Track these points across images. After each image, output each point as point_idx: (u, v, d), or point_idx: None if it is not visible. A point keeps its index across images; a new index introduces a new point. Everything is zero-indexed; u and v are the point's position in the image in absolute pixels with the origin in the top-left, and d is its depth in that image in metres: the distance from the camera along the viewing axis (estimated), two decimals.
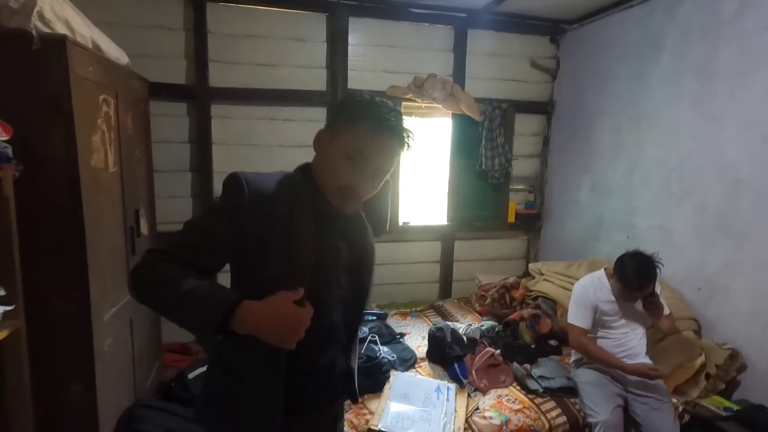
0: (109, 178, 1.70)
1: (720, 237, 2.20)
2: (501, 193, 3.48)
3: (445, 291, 3.50)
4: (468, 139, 3.33)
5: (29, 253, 1.40)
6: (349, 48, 3.00)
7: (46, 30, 1.40)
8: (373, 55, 3.08)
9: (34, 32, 1.34)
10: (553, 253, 3.43)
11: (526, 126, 3.48)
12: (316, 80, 3.00)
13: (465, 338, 2.37)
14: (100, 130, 1.63)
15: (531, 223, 3.59)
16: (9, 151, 1.35)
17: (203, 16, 2.73)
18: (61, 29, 1.47)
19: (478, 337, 2.45)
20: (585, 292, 2.06)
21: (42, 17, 1.39)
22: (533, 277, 3.03)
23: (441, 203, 3.48)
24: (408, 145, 0.96)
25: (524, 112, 3.44)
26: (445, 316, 3.00)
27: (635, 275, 1.84)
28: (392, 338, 2.53)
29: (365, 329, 2.49)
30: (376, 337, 2.44)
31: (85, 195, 1.48)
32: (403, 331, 2.67)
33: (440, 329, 2.38)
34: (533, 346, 2.43)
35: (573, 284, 2.19)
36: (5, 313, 1.36)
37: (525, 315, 2.58)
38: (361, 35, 3.04)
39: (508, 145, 3.34)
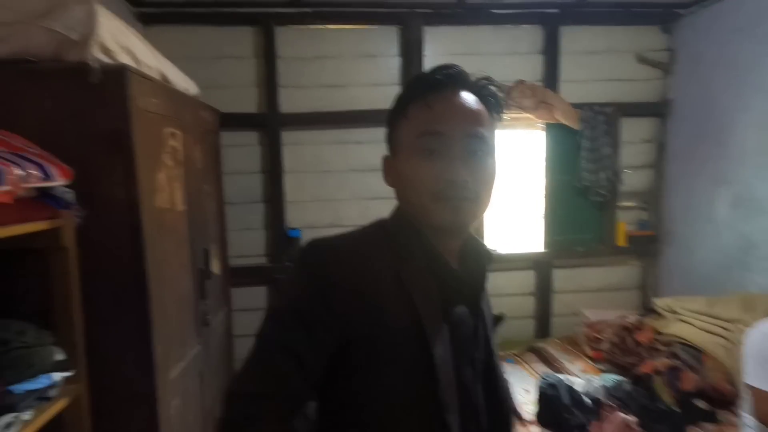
0: (175, 218, 1.55)
1: None
2: (607, 212, 2.95)
3: (543, 328, 3.00)
4: (565, 151, 2.87)
5: (88, 309, 1.24)
6: (424, 60, 2.73)
7: (108, 61, 1.27)
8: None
9: (93, 64, 1.20)
10: (681, 283, 2.81)
11: (634, 132, 2.94)
12: (389, 98, 2.73)
13: (586, 398, 1.90)
14: (166, 167, 1.48)
15: (646, 246, 3.00)
16: (70, 196, 1.21)
17: (272, 42, 2.63)
18: (124, 60, 1.35)
19: (602, 397, 1.96)
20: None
21: (104, 48, 1.26)
22: (660, 316, 2.46)
23: (535, 227, 3.03)
24: (491, 98, 0.70)
25: (632, 116, 2.91)
26: (549, 362, 2.52)
27: None
28: None
29: None
30: None
31: (148, 240, 1.31)
32: None
33: (552, 386, 1.93)
34: (678, 410, 1.89)
35: (723, 327, 1.68)
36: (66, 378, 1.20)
37: (660, 367, 2.05)
38: (436, 45, 2.77)
39: (615, 155, 2.83)
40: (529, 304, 3.02)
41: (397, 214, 0.73)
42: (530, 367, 2.47)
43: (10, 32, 1.19)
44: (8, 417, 1.01)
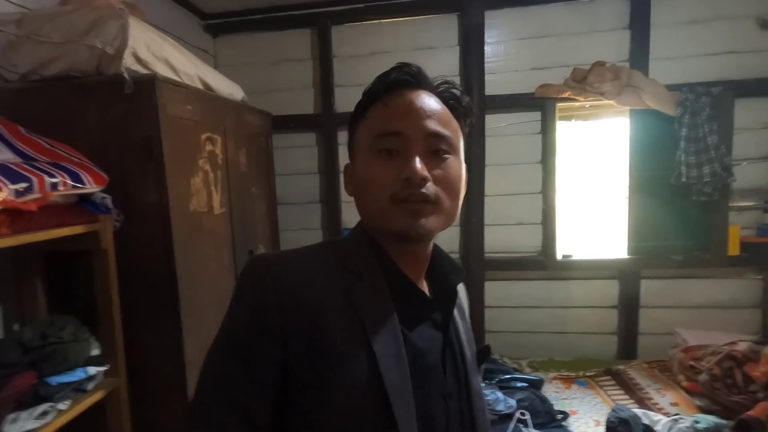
0: (213, 221, 1.59)
1: None
2: (715, 214, 2.44)
3: (627, 348, 2.60)
4: (656, 142, 2.44)
5: (127, 307, 1.32)
6: (486, 48, 2.51)
7: (143, 72, 1.33)
8: (517, 51, 2.52)
9: (125, 75, 1.26)
10: None
11: (753, 116, 2.39)
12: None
13: None
14: (202, 171, 1.52)
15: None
16: (108, 201, 1.30)
17: (328, 41, 2.62)
18: (161, 69, 1.40)
19: None
20: None
21: (138, 59, 1.32)
22: None
23: (618, 230, 2.63)
24: (453, 101, 0.64)
25: (749, 96, 2.37)
26: (630, 388, 2.16)
27: None
28: (550, 419, 1.87)
29: (512, 401, 1.90)
30: (527, 416, 1.83)
31: (180, 243, 1.35)
32: (566, 409, 1.98)
33: (625, 422, 1.63)
34: None
35: None
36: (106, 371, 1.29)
37: None
38: (500, 30, 2.53)
39: (725, 145, 2.32)
40: (611, 319, 2.64)
41: (356, 227, 0.67)
42: (605, 393, 2.14)
43: (62, 51, 1.30)
44: (44, 406, 1.10)
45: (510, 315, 2.68)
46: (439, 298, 0.65)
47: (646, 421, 1.67)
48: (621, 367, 2.35)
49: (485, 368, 2.17)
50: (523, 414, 1.85)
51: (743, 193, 2.43)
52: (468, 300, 0.82)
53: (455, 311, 0.67)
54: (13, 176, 1.00)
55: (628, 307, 2.59)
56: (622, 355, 2.60)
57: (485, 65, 2.50)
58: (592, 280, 2.62)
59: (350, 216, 2.74)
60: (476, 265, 2.61)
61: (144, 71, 1.33)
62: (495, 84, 2.52)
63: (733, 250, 2.42)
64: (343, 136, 2.66)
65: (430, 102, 0.61)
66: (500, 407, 1.88)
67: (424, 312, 0.63)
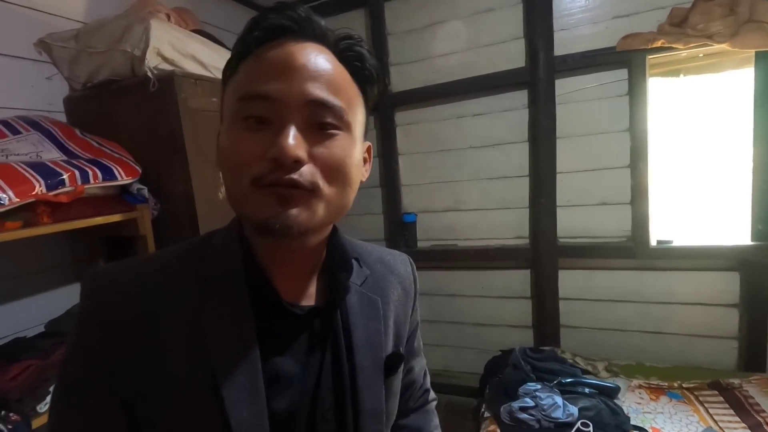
0: None
1: None
2: None
3: (751, 358, 2.07)
4: None
5: None
6: (555, 1, 2.16)
7: (170, 69, 1.42)
8: (593, 1, 2.12)
9: (150, 74, 1.36)
10: None
11: None
12: (511, 56, 2.29)
13: None
14: None
15: None
16: (145, 191, 1.43)
17: (381, 18, 2.52)
18: (189, 66, 1.48)
19: None
20: None
21: (164, 58, 1.41)
22: None
23: (737, 211, 2.09)
24: (358, 63, 0.52)
25: None
26: (745, 409, 1.71)
27: None
28: None
29: (573, 409, 1.65)
30: (590, 428, 1.58)
31: (207, 230, 1.43)
32: (647, 425, 1.65)
33: None
34: None
35: None
36: None
37: None
38: None
39: None
40: (726, 320, 2.12)
41: (233, 220, 0.57)
42: (706, 411, 1.73)
43: (105, 59, 1.44)
44: None
45: (590, 309, 2.33)
46: (328, 303, 0.56)
47: None
48: (735, 380, 1.88)
49: (545, 367, 1.93)
50: (585, 425, 1.60)
51: None
52: (413, 286, 0.72)
53: (358, 310, 0.57)
54: (49, 173, 1.15)
55: (754, 305, 2.05)
56: (743, 365, 2.09)
57: (553, 20, 2.15)
58: (700, 271, 2.13)
59: (411, 200, 2.65)
60: (547, 251, 2.32)
61: (170, 68, 1.42)
62: (566, 42, 2.16)
63: None
64: (400, 117, 2.59)
65: (318, 59, 0.48)
66: (557, 414, 1.65)
67: (298, 328, 0.53)
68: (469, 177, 2.49)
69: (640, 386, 1.92)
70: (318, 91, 0.47)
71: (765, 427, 1.61)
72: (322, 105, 0.47)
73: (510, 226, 2.42)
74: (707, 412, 1.73)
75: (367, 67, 0.53)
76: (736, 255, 2.06)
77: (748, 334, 2.07)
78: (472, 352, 2.63)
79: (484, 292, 2.55)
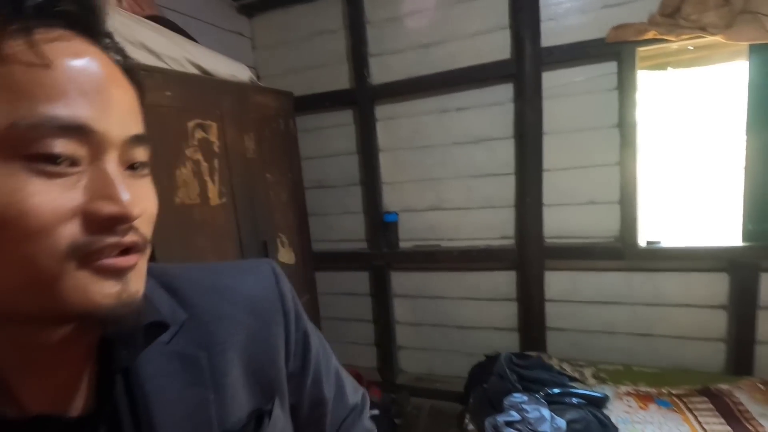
0: (209, 213, 1.51)
1: None
2: None
3: (739, 361, 2.02)
4: None
5: None
6: None
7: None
8: None
9: None
10: None
11: None
12: (497, 48, 2.18)
13: None
14: (192, 161, 1.43)
15: None
16: None
17: (359, 6, 2.38)
18: (139, 55, 1.32)
19: None
20: None
21: None
22: None
23: (727, 210, 2.03)
24: (117, 47, 0.38)
25: None
26: (734, 416, 1.66)
27: None
28: None
29: (561, 422, 1.57)
30: None
31: (164, 236, 1.29)
32: None
33: None
34: None
35: None
36: None
37: None
38: None
39: None
40: (716, 322, 2.07)
41: None
42: (696, 419, 1.67)
43: None
44: None
45: (577, 311, 2.26)
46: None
47: None
48: (724, 386, 1.82)
49: (532, 376, 1.84)
50: None
51: None
52: (279, 306, 0.52)
53: (165, 381, 0.41)
54: None
55: (742, 307, 2.00)
56: (731, 369, 2.04)
57: (540, 10, 2.04)
58: (689, 272, 2.07)
59: (392, 198, 2.53)
60: (533, 252, 2.23)
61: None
62: (554, 32, 2.05)
63: None
64: (380, 111, 2.46)
65: (116, 72, 0.36)
66: (545, 428, 1.57)
67: None
68: (452, 175, 2.38)
69: (628, 393, 1.85)
70: (135, 120, 0.36)
71: (747, 428, 1.55)
72: (138, 140, 0.36)
73: (495, 225, 2.33)
74: (697, 420, 1.67)
75: (133, 69, 0.39)
76: (724, 255, 2.00)
77: (737, 336, 2.02)
78: (456, 356, 2.54)
79: (468, 294, 2.46)
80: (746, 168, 1.90)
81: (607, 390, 1.83)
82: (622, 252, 2.09)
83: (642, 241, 2.08)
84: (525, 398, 1.68)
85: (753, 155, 1.87)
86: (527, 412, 1.62)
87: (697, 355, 2.10)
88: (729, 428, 1.62)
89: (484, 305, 2.44)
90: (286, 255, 1.96)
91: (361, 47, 2.40)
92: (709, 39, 1.78)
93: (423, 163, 2.44)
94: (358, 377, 2.55)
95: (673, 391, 1.84)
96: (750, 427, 1.60)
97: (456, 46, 2.25)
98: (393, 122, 2.47)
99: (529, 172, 2.17)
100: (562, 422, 1.58)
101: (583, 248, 2.17)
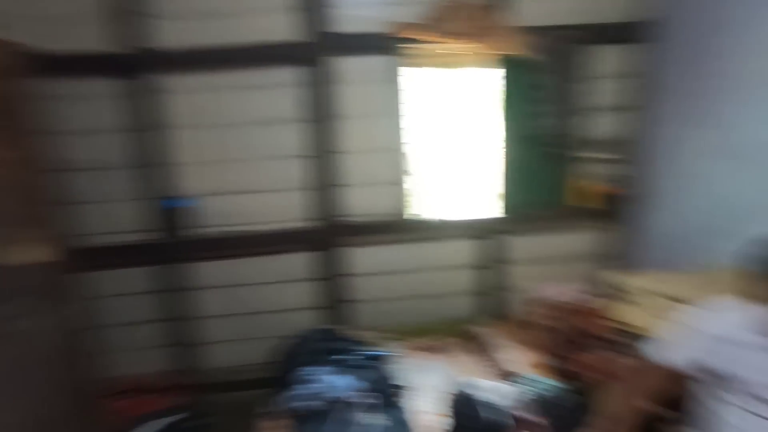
0: None
1: None
2: (570, 166, 2.39)
3: (492, 308, 2.56)
4: (525, 91, 2.27)
5: None
6: None
7: None
8: None
9: None
10: (658, 253, 2.30)
11: (609, 63, 2.32)
12: (287, 28, 2.15)
13: (501, 414, 1.47)
14: None
15: (618, 208, 2.46)
16: None
17: None
18: None
19: (521, 411, 1.52)
20: (718, 322, 1.15)
21: None
22: (626, 297, 1.95)
23: (485, 188, 2.50)
24: None
25: (606, 43, 2.28)
26: (487, 352, 2.09)
27: None
28: (389, 399, 1.70)
29: (346, 384, 1.69)
30: (362, 399, 1.64)
31: None
32: (414, 383, 1.83)
33: (466, 400, 1.49)
34: None
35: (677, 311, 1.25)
36: None
37: (596, 363, 1.60)
38: None
39: (580, 92, 2.23)
40: (476, 279, 2.55)
41: None
42: (460, 360, 2.04)
43: None
44: None
45: (377, 282, 2.48)
46: None
47: (490, 393, 1.56)
48: (480, 328, 2.27)
49: (328, 347, 1.94)
50: (356, 398, 1.66)
51: (597, 145, 2.40)
52: None
53: None
54: None
55: (494, 265, 2.52)
56: (490, 314, 2.55)
57: None
58: (460, 240, 2.49)
59: (186, 181, 2.26)
60: (332, 230, 2.34)
61: None
62: (342, 20, 2.14)
63: (588, 202, 2.41)
64: (166, 83, 2.17)
65: None
66: (337, 392, 1.67)
67: None
68: (249, 156, 2.28)
69: (410, 348, 2.13)
70: None
71: (501, 365, 1.98)
72: None
73: (294, 208, 2.34)
74: (461, 360, 2.04)
75: None
76: (480, 225, 2.47)
77: (491, 289, 2.54)
78: (267, 342, 2.48)
79: (272, 278, 2.42)
80: (505, 154, 2.35)
81: (393, 348, 2.07)
82: (407, 226, 2.38)
83: (422, 216, 2.41)
84: (317, 369, 1.76)
85: (509, 143, 2.34)
86: (320, 381, 1.69)
87: (466, 307, 2.55)
88: (483, 360, 2.02)
89: (289, 287, 2.45)
90: (24, 253, 1.56)
91: (133, 3, 2.05)
92: (469, 45, 2.13)
93: (219, 143, 2.27)
94: (158, 384, 2.26)
95: (444, 340, 2.20)
96: (494, 356, 2.04)
97: (246, 21, 2.14)
98: (182, 97, 2.20)
99: (325, 155, 2.25)
100: (347, 384, 1.70)
101: (375, 225, 2.38)
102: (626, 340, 1.67)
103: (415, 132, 2.34)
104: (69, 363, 1.76)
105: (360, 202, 2.36)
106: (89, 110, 2.14)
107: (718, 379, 1.12)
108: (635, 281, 1.92)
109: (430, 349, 2.12)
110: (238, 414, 2.21)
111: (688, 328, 1.20)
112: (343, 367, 1.81)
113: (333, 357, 1.87)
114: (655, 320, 1.64)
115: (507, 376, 1.84)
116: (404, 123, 2.27)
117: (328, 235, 2.34)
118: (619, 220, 2.49)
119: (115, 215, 2.26)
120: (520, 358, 1.97)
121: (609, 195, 2.42)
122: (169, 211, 2.24)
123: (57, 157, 2.00)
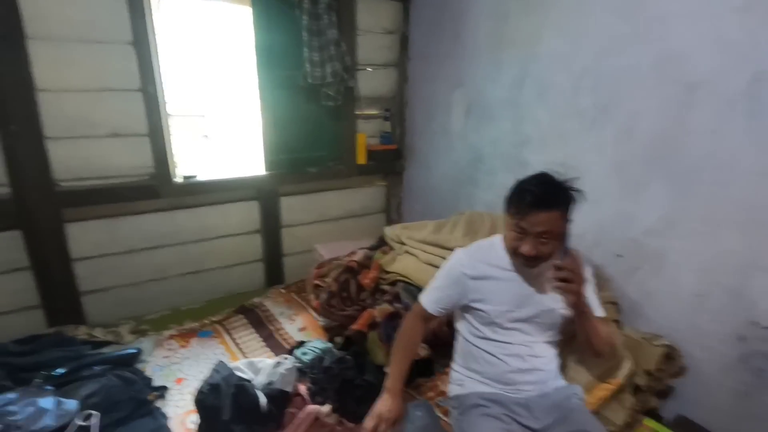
0: None
1: (655, 177, 1.41)
2: (344, 122, 2.34)
3: (272, 275, 2.37)
4: (285, 36, 2.03)
5: None
6: None
7: None
8: None
9: None
10: (420, 205, 2.51)
11: (375, 18, 2.31)
12: None
13: (267, 395, 1.29)
14: None
15: (390, 163, 2.57)
16: None
17: None
18: None
19: (292, 384, 1.38)
20: (460, 261, 1.22)
21: None
22: (392, 249, 2.04)
23: (253, 144, 2.22)
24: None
25: None
26: (263, 323, 1.89)
27: (532, 184, 1.06)
28: (137, 406, 1.33)
29: (70, 404, 1.24)
30: (92, 419, 1.23)
31: None
32: (174, 378, 1.49)
33: (214, 389, 1.24)
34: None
35: (447, 258, 1.28)
36: None
37: (378, 317, 1.61)
38: None
39: (347, 44, 2.16)
40: (255, 245, 2.30)
41: None
42: (232, 338, 1.78)
43: None
44: None
45: (119, 264, 1.94)
46: None
47: (248, 374, 1.35)
48: (257, 299, 2.05)
49: (36, 362, 1.40)
50: (87, 417, 1.23)
51: (369, 101, 2.41)
52: None
53: None
54: None
55: (270, 228, 2.30)
56: (269, 282, 2.35)
57: None
58: (228, 203, 2.16)
59: None
60: (41, 200, 1.68)
61: None
62: None
63: (362, 158, 2.43)
64: None
65: None
66: (47, 421, 1.19)
67: None
68: None
69: (171, 336, 1.76)
70: None
71: (275, 334, 1.81)
72: None
73: None
74: (232, 338, 1.79)
75: None
76: (253, 184, 2.20)
77: (269, 254, 2.34)
78: None
79: None
80: (261, 105, 2.09)
81: (147, 341, 1.66)
82: (158, 190, 1.91)
83: (179, 177, 1.97)
84: (13, 396, 1.23)
85: (266, 94, 2.08)
86: (16, 413, 1.18)
87: (242, 278, 2.29)
88: (257, 334, 1.82)
89: None
90: None
91: None
92: None
93: None
94: None
95: (214, 319, 1.90)
96: (272, 327, 1.86)
97: None
98: None
99: (12, 91, 1.55)
100: (72, 403, 1.25)
101: (113, 190, 1.83)
102: (397, 289, 1.73)
103: (168, 73, 1.86)
104: None
105: (98, 160, 1.78)
106: None
107: (472, 313, 1.20)
108: (400, 232, 2.01)
109: (193, 336, 1.78)
110: None
111: (443, 271, 1.25)
112: (53, 385, 1.32)
113: (34, 376, 1.34)
114: (426, 268, 1.74)
115: (285, 346, 1.69)
116: (147, 57, 1.75)
117: (35, 205, 1.68)
118: (390, 175, 2.61)
119: None
120: (297, 326, 1.84)
121: (381, 152, 2.49)
122: None
123: None
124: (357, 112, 2.36)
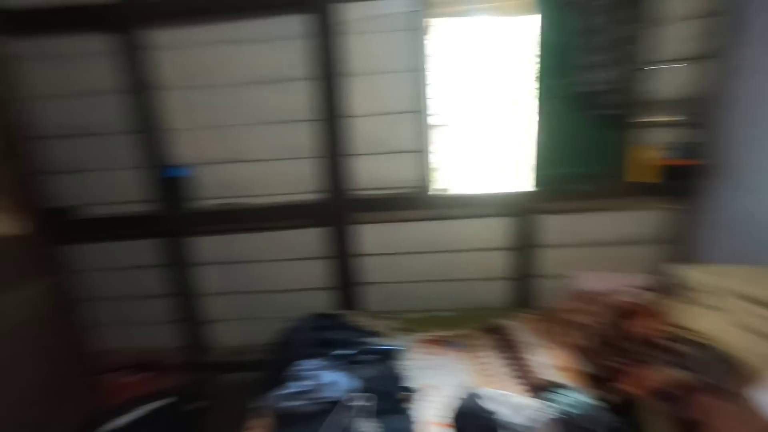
0: None
1: None
2: (623, 133, 1.98)
3: (521, 297, 2.24)
4: (571, 44, 1.86)
5: None
6: None
7: None
8: None
9: None
10: (734, 241, 1.87)
11: (679, 2, 1.85)
12: None
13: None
14: None
15: (686, 182, 2.02)
16: None
17: None
18: None
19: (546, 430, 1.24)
20: None
21: None
22: (682, 293, 1.58)
23: (518, 157, 2.15)
24: None
25: None
26: (512, 348, 1.80)
27: None
28: (392, 405, 1.46)
29: (353, 383, 1.48)
30: (365, 402, 1.42)
31: None
32: (428, 384, 1.58)
33: (472, 415, 1.23)
34: None
35: None
36: None
37: (659, 383, 1.27)
38: None
39: (639, 40, 1.79)
40: (505, 262, 2.23)
41: None
42: (479, 358, 1.76)
43: None
44: None
45: (390, 263, 2.23)
46: None
47: (504, 406, 1.29)
48: (506, 321, 1.98)
49: (332, 338, 1.72)
50: (365, 398, 1.44)
51: (662, 106, 1.96)
52: None
53: None
54: None
55: (523, 247, 2.18)
56: (515, 302, 2.25)
57: None
58: (484, 218, 2.17)
59: (182, 149, 2.08)
60: (341, 205, 2.09)
61: None
62: None
63: (641, 175, 2.00)
64: (154, 37, 1.95)
65: None
66: (337, 392, 1.45)
67: None
68: (248, 121, 2.05)
69: (427, 340, 1.88)
70: None
71: (518, 363, 1.69)
72: None
73: (299, 178, 2.10)
74: (475, 355, 1.77)
75: None
76: (512, 201, 2.12)
77: (519, 274, 2.22)
78: (272, 322, 2.31)
79: (278, 254, 2.23)
80: (540, 115, 1.97)
81: (407, 340, 1.83)
82: (425, 201, 2.09)
83: (441, 189, 2.10)
84: (317, 363, 1.55)
85: (545, 105, 1.96)
86: (320, 378, 1.48)
87: (487, 294, 2.25)
88: (499, 359, 1.74)
89: (296, 265, 2.25)
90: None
91: None
92: None
93: (213, 107, 2.04)
94: (155, 362, 2.17)
95: (461, 332, 1.92)
96: (515, 355, 1.75)
97: None
98: (173, 53, 1.98)
99: (332, 119, 1.97)
100: (355, 382, 1.48)
101: (394, 199, 2.10)
102: (696, 353, 1.33)
103: (440, 92, 2.01)
104: (55, 336, 1.66)
105: (381, 172, 2.10)
106: (73, 71, 1.97)
107: None
108: (705, 276, 1.54)
109: (446, 344, 1.85)
110: (232, 400, 2.09)
111: None
112: (344, 362, 1.59)
113: (332, 350, 1.66)
114: (740, 332, 1.29)
115: (532, 382, 1.56)
116: (427, 81, 1.94)
117: (337, 209, 2.10)
118: (685, 198, 2.06)
119: (109, 185, 2.12)
120: (549, 362, 1.66)
121: (673, 167, 1.99)
122: (169, 180, 2.06)
123: (36, 123, 1.87)
124: (640, 120, 1.96)
